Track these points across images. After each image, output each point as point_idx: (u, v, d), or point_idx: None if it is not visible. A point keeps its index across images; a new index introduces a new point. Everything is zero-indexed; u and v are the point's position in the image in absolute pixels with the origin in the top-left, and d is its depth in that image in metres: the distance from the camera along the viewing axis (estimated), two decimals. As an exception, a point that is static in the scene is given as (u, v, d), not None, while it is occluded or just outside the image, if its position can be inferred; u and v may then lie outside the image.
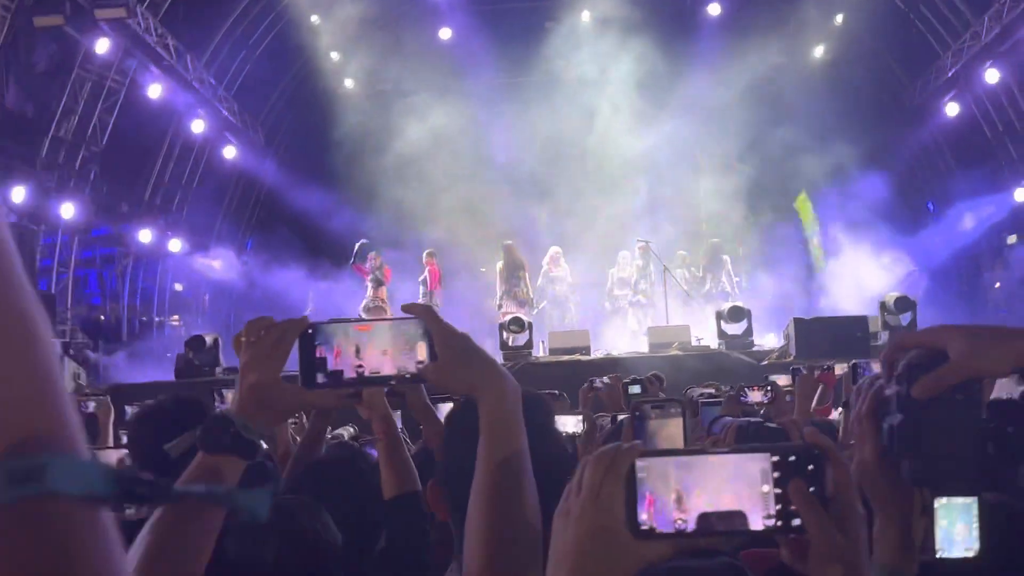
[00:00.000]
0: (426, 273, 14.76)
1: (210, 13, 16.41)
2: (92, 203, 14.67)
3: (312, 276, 17.13)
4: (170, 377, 11.66)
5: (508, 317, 12.37)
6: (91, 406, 5.89)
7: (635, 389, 5.50)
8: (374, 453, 2.65)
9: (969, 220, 16.67)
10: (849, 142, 17.54)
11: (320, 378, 1.40)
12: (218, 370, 11.32)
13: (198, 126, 16.70)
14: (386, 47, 17.92)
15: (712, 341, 12.45)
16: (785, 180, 19.02)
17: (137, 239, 16.13)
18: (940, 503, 0.99)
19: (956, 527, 0.99)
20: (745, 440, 2.81)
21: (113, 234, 16.18)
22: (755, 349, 11.98)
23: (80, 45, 13.53)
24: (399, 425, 3.98)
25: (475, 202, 17.38)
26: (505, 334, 11.91)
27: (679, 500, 0.93)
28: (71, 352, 12.24)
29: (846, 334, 10.80)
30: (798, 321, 11.42)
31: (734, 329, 12.08)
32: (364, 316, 13.91)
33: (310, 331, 1.40)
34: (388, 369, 1.40)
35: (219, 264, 18.39)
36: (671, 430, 2.37)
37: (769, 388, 5.43)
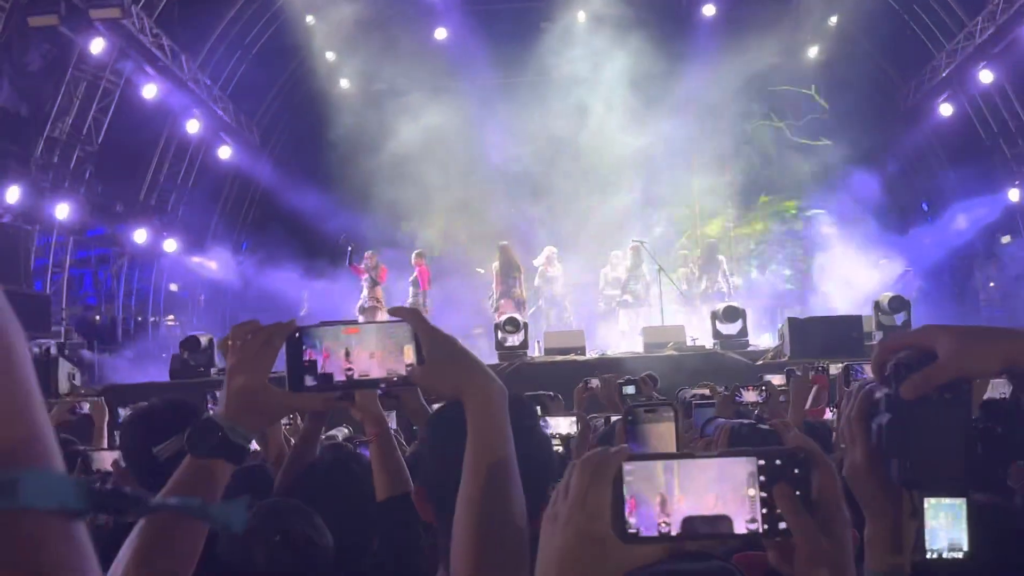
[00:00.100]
0: (415, 274, 14.74)
1: (205, 13, 16.39)
2: (87, 203, 14.64)
3: (307, 276, 17.13)
4: (165, 378, 11.62)
5: (504, 317, 12.37)
6: (86, 407, 5.89)
7: (629, 389, 5.51)
8: (368, 454, 2.65)
9: (963, 220, 16.71)
10: (843, 143, 17.59)
11: (309, 380, 1.40)
12: (213, 371, 11.29)
13: (193, 126, 16.68)
14: (381, 47, 17.91)
15: (707, 341, 12.47)
16: (780, 180, 19.07)
17: (132, 239, 16.10)
18: (929, 503, 0.99)
19: (945, 528, 0.99)
20: (738, 442, 2.81)
21: (108, 234, 16.14)
22: (750, 349, 12.00)
23: (75, 45, 13.52)
24: (393, 426, 3.99)
25: (470, 202, 17.40)
26: (500, 334, 11.90)
27: (664, 503, 0.93)
28: (66, 352, 12.20)
29: (840, 334, 10.82)
30: (792, 321, 11.43)
31: (729, 329, 12.08)
32: (360, 316, 13.92)
33: (297, 334, 1.40)
34: (377, 372, 1.40)
35: (214, 264, 18.38)
36: (663, 433, 2.37)
37: (764, 388, 5.45)
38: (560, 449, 4.52)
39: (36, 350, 10.75)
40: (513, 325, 11.94)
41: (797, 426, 3.61)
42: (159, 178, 17.25)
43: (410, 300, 14.38)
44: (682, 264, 15.86)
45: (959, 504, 0.98)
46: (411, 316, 1.41)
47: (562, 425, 4.91)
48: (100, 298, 17.39)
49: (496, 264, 14.95)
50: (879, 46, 18.23)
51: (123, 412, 6.28)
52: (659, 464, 0.96)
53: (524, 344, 12.00)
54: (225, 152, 18.15)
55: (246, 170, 19.13)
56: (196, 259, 18.15)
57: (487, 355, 11.11)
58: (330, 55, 18.60)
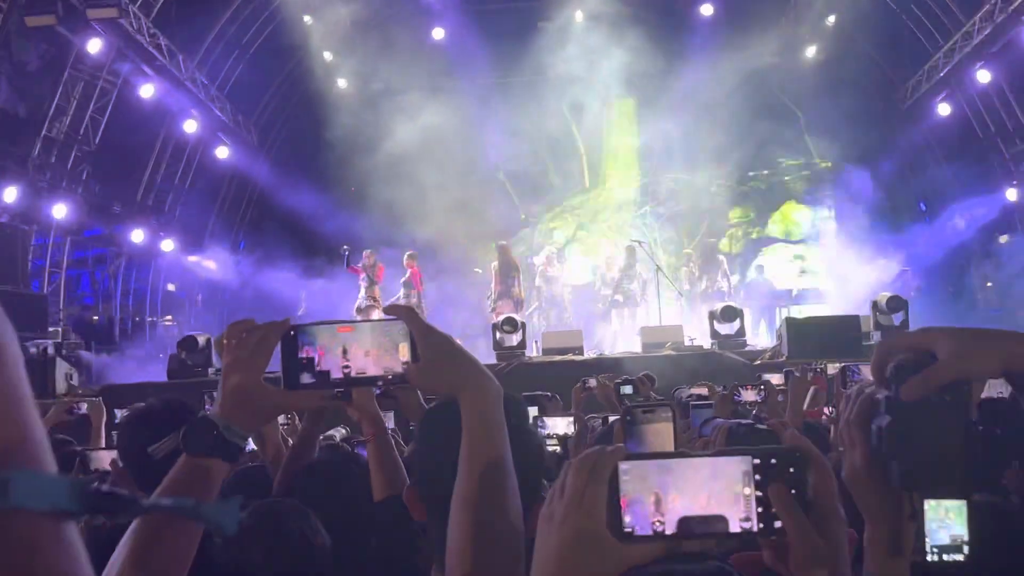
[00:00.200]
0: (408, 275, 14.73)
1: (202, 13, 16.38)
2: (84, 203, 14.63)
3: (305, 275, 17.12)
4: (163, 378, 11.60)
5: (501, 317, 12.37)
6: (84, 407, 5.88)
7: (627, 389, 5.50)
8: (365, 454, 2.65)
9: (960, 220, 16.72)
10: (841, 142, 17.60)
11: (307, 378, 1.40)
12: (211, 371, 11.27)
13: (191, 126, 16.67)
14: (379, 47, 17.92)
15: (705, 341, 12.47)
16: (778, 179, 19.09)
17: (129, 239, 16.08)
18: (929, 505, 0.98)
19: (946, 530, 0.98)
20: (735, 442, 2.81)
21: (105, 234, 16.14)
22: (748, 349, 12.00)
23: (72, 45, 13.51)
24: (390, 426, 3.99)
25: (468, 201, 17.40)
26: (499, 334, 11.90)
27: (659, 502, 0.93)
28: (63, 353, 12.19)
29: (838, 334, 10.81)
30: (790, 321, 11.44)
31: (727, 329, 12.09)
32: (357, 316, 13.91)
33: (292, 332, 1.40)
34: (373, 370, 1.40)
35: (212, 264, 18.37)
36: (662, 433, 2.37)
37: (762, 387, 5.45)
38: (558, 449, 4.52)
39: (33, 350, 10.74)
40: (511, 325, 11.94)
41: (795, 427, 3.61)
42: (156, 178, 17.23)
43: (401, 301, 14.37)
44: (684, 263, 15.85)
45: (960, 505, 0.98)
46: (406, 314, 1.40)
47: (560, 425, 4.90)
48: (97, 298, 17.38)
49: (495, 264, 14.95)
50: (877, 45, 18.25)
51: (120, 413, 6.27)
52: (655, 464, 0.96)
53: (522, 344, 12.01)
54: (223, 152, 18.14)
55: (244, 170, 19.12)
56: (193, 259, 18.15)
57: (485, 355, 11.11)
58: (328, 55, 18.59)
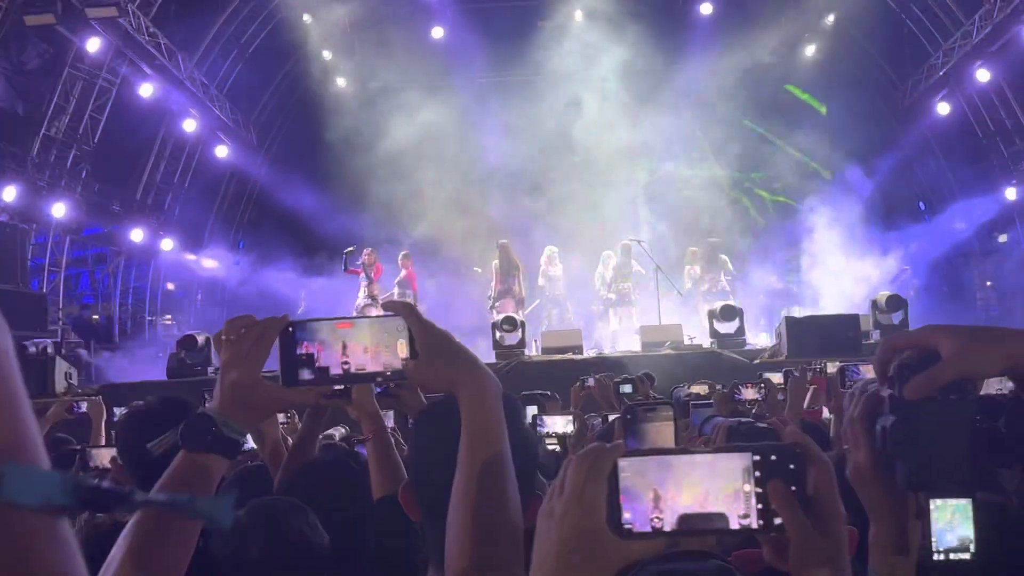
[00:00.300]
0: (402, 275, 14.72)
1: (201, 12, 16.38)
2: (83, 202, 14.63)
3: (305, 274, 17.11)
4: (162, 376, 11.60)
5: (501, 316, 12.37)
6: (83, 406, 5.88)
7: (626, 388, 5.50)
8: (365, 452, 2.64)
9: (960, 219, 16.72)
10: (841, 140, 17.59)
11: (306, 374, 1.39)
12: (210, 369, 11.27)
13: (190, 125, 16.67)
14: (378, 46, 17.91)
15: (704, 340, 12.47)
16: (778, 178, 19.09)
17: (129, 238, 16.09)
18: (935, 505, 0.98)
19: (952, 529, 0.98)
20: (736, 440, 2.80)
21: (105, 233, 16.14)
22: (747, 348, 12.00)
23: (71, 44, 13.51)
24: (390, 424, 3.98)
25: (468, 200, 17.39)
26: (498, 333, 11.89)
27: (658, 499, 0.93)
28: (63, 352, 12.18)
29: (838, 333, 10.81)
30: (790, 320, 11.43)
31: (726, 328, 12.08)
32: (355, 315, 13.90)
33: (290, 328, 1.39)
34: (372, 366, 1.40)
35: (211, 263, 18.37)
36: (662, 431, 2.37)
37: (763, 385, 5.44)
38: (557, 448, 4.52)
39: (33, 349, 10.73)
40: (510, 324, 11.93)
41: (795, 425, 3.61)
42: (156, 177, 17.23)
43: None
44: (689, 262, 15.81)
45: (965, 504, 0.97)
46: (404, 310, 1.40)
47: (559, 424, 4.90)
48: (97, 297, 17.40)
49: (496, 262, 14.93)
50: (876, 44, 18.25)
51: (120, 411, 6.27)
52: (655, 460, 0.95)
53: (522, 343, 12.00)
54: (222, 151, 18.14)
55: (243, 169, 19.13)
56: (193, 258, 18.15)
57: (485, 354, 11.10)
58: (326, 54, 18.59)
